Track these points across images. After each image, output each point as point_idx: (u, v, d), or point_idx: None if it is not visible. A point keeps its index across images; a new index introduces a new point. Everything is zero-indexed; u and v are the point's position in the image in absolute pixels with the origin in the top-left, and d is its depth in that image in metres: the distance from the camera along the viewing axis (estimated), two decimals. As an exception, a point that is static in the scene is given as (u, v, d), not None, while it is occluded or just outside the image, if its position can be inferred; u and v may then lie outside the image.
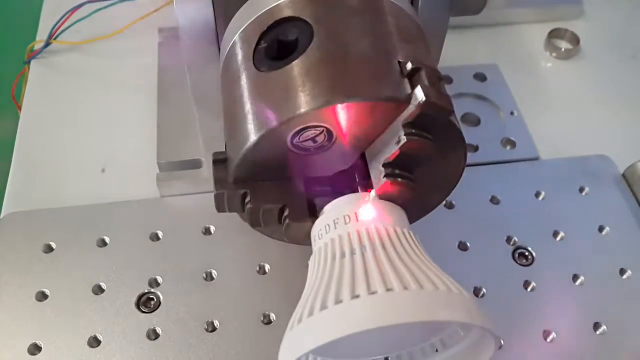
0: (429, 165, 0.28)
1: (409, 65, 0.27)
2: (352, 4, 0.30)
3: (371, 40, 0.28)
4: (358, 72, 0.27)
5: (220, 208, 0.29)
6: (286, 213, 0.29)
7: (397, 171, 0.27)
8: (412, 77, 0.26)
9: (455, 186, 0.33)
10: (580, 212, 0.45)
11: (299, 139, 0.27)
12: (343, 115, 0.26)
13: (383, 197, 0.27)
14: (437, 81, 0.26)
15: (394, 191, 0.27)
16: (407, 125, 0.26)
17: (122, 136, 0.48)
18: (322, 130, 0.27)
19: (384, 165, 0.27)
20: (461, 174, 0.32)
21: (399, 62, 0.27)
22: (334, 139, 0.27)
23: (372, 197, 0.28)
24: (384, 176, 0.27)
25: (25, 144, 0.48)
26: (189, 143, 0.44)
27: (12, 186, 0.45)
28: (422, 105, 0.25)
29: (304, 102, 0.26)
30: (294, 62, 0.27)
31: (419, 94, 0.25)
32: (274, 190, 0.29)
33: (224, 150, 0.30)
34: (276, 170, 0.29)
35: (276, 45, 0.29)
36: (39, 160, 0.46)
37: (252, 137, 0.27)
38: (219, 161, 0.29)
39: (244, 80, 0.29)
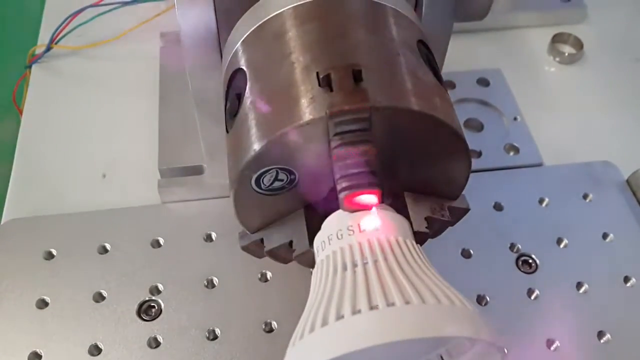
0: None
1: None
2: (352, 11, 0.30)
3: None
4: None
5: (337, 115, 0.26)
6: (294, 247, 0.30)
7: (430, 228, 0.30)
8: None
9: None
10: (584, 218, 0.44)
11: (264, 184, 0.29)
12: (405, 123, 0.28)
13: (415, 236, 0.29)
14: None
15: (420, 239, 0.29)
16: (450, 209, 0.32)
17: (123, 142, 0.48)
18: (277, 172, 0.28)
19: (426, 219, 0.30)
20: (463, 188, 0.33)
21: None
22: (296, 177, 0.29)
23: (379, 207, 0.28)
24: (427, 227, 0.30)
25: (26, 149, 0.47)
26: (190, 149, 0.44)
27: (13, 192, 0.45)
28: (464, 210, 0.33)
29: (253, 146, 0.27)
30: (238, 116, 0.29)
31: (466, 202, 0.33)
32: (279, 229, 0.31)
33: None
34: (278, 209, 0.30)
35: (236, 102, 0.30)
36: (40, 166, 0.46)
37: (231, 194, 0.29)
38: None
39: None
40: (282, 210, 0.30)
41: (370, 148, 0.25)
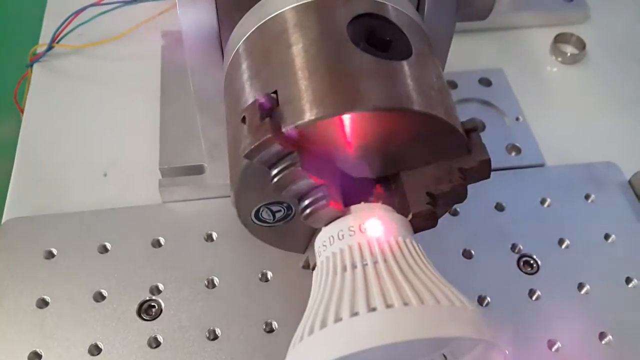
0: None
1: (472, 122, 0.29)
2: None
3: (442, 80, 0.30)
4: (443, 103, 0.28)
5: (254, 155, 0.26)
6: (324, 193, 0.26)
7: (434, 203, 0.28)
8: (470, 133, 0.29)
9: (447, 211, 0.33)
10: (586, 219, 0.44)
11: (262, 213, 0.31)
12: (415, 126, 0.27)
13: (414, 220, 0.28)
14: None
15: (426, 219, 0.28)
16: (462, 171, 0.28)
17: (124, 141, 0.47)
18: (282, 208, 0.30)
19: (430, 195, 0.28)
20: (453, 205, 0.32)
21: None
22: (292, 213, 0.30)
23: (381, 208, 0.28)
24: (427, 203, 0.28)
25: (27, 148, 0.47)
26: (191, 149, 0.44)
27: (14, 191, 0.45)
28: (482, 163, 0.28)
29: (403, 100, 0.26)
30: (397, 61, 0.28)
31: (484, 152, 0.28)
32: (318, 165, 0.27)
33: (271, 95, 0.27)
34: (324, 146, 0.27)
35: (369, 35, 0.29)
36: (41, 165, 0.46)
37: (341, 107, 0.26)
38: (268, 107, 0.26)
39: (331, 48, 0.28)
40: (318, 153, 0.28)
41: (296, 170, 0.26)
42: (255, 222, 0.32)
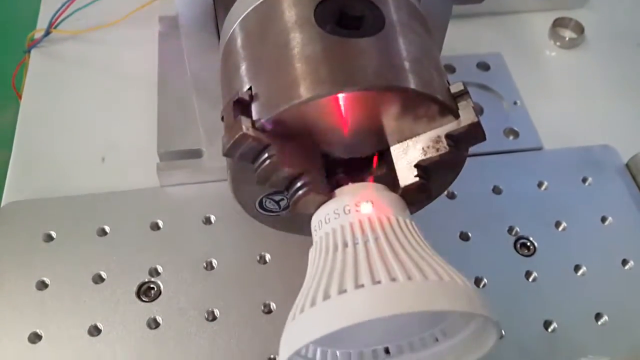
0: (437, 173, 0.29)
1: (458, 86, 0.28)
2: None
3: (423, 47, 0.29)
4: (424, 72, 0.28)
5: (231, 153, 0.27)
6: (305, 181, 0.27)
7: (424, 174, 0.28)
8: (459, 98, 0.28)
9: (449, 185, 0.33)
10: (583, 202, 0.44)
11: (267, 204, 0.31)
12: (394, 103, 0.27)
13: (405, 194, 0.28)
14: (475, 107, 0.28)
15: (418, 192, 0.28)
16: (449, 137, 0.27)
17: (122, 125, 0.48)
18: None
19: (418, 167, 0.28)
20: (459, 173, 0.32)
21: (447, 81, 0.29)
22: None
23: (375, 187, 0.28)
24: (416, 176, 0.28)
25: (25, 133, 0.47)
26: (189, 133, 0.44)
27: (13, 175, 0.45)
28: (472, 126, 0.27)
29: (369, 77, 0.26)
30: (365, 39, 0.27)
31: (472, 114, 0.27)
32: (295, 153, 0.27)
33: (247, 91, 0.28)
34: (301, 134, 0.27)
35: (340, 15, 0.28)
36: (40, 150, 0.46)
37: (308, 93, 0.26)
38: (245, 103, 0.27)
39: (298, 35, 0.28)
40: (301, 139, 0.28)
41: (272, 162, 0.26)
42: (262, 213, 0.32)
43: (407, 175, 0.28)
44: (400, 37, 0.28)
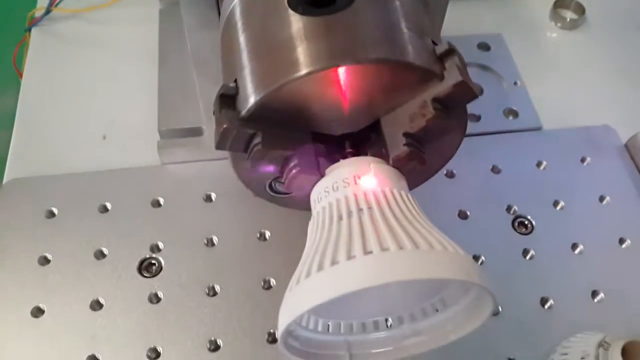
0: (435, 139, 0.28)
1: (443, 47, 0.27)
2: None
3: (401, 13, 0.29)
4: (398, 39, 0.27)
5: (222, 145, 0.28)
6: (295, 162, 0.28)
7: (415, 142, 0.28)
8: (444, 58, 0.27)
9: (450, 158, 0.33)
10: (582, 182, 0.45)
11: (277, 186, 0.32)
12: (375, 75, 0.26)
13: (397, 164, 0.28)
14: (465, 66, 0.27)
15: (408, 160, 0.28)
16: (436, 100, 0.27)
17: (123, 103, 0.48)
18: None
19: (406, 135, 0.27)
20: (457, 147, 0.32)
21: (432, 41, 0.28)
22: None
23: (375, 161, 0.28)
24: (405, 144, 0.27)
25: (26, 111, 0.48)
26: (190, 110, 0.44)
27: (15, 152, 0.45)
28: (457, 86, 0.26)
29: (342, 55, 0.26)
30: (336, 14, 0.27)
31: (455, 74, 0.26)
32: (283, 137, 0.28)
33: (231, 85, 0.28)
34: (287, 118, 0.28)
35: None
36: (41, 127, 0.46)
37: (279, 80, 0.26)
38: (229, 96, 0.28)
39: (272, 20, 0.28)
40: (290, 122, 0.28)
41: (258, 149, 0.27)
42: (275, 195, 0.32)
43: (396, 144, 0.28)
44: (373, 7, 0.28)
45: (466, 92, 0.26)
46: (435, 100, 0.27)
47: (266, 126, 0.27)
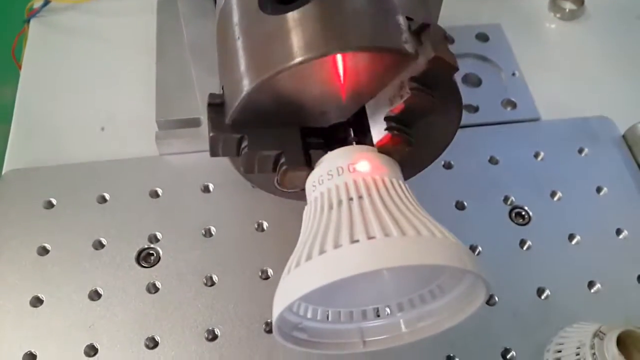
0: (426, 122, 0.28)
1: (416, 22, 0.26)
2: None
3: None
4: (366, 24, 0.27)
5: (214, 152, 0.29)
6: (282, 160, 0.28)
7: (398, 125, 0.27)
8: (420, 34, 0.26)
9: (448, 144, 0.33)
10: (579, 172, 0.45)
11: None
12: (348, 64, 0.26)
13: (382, 150, 0.28)
14: (444, 39, 0.26)
15: (394, 145, 0.27)
16: (413, 79, 0.26)
17: (121, 95, 0.48)
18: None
19: (386, 119, 0.27)
20: (454, 133, 0.32)
21: (407, 18, 0.27)
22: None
23: (368, 149, 0.28)
24: (386, 129, 0.27)
25: (25, 102, 0.48)
26: (187, 101, 0.44)
27: (13, 143, 0.45)
28: (431, 62, 0.25)
29: (307, 49, 0.26)
30: (300, 9, 0.27)
31: (428, 50, 0.25)
32: (271, 137, 0.28)
33: (220, 93, 0.29)
34: (273, 117, 0.28)
35: None
36: (40, 118, 0.46)
37: (252, 82, 0.27)
38: (215, 105, 0.29)
39: (245, 23, 0.29)
40: (277, 121, 0.29)
41: (247, 152, 0.28)
42: (285, 191, 0.32)
43: (379, 129, 0.28)
44: None
45: (442, 66, 0.25)
46: (413, 79, 0.26)
47: (254, 128, 0.28)
